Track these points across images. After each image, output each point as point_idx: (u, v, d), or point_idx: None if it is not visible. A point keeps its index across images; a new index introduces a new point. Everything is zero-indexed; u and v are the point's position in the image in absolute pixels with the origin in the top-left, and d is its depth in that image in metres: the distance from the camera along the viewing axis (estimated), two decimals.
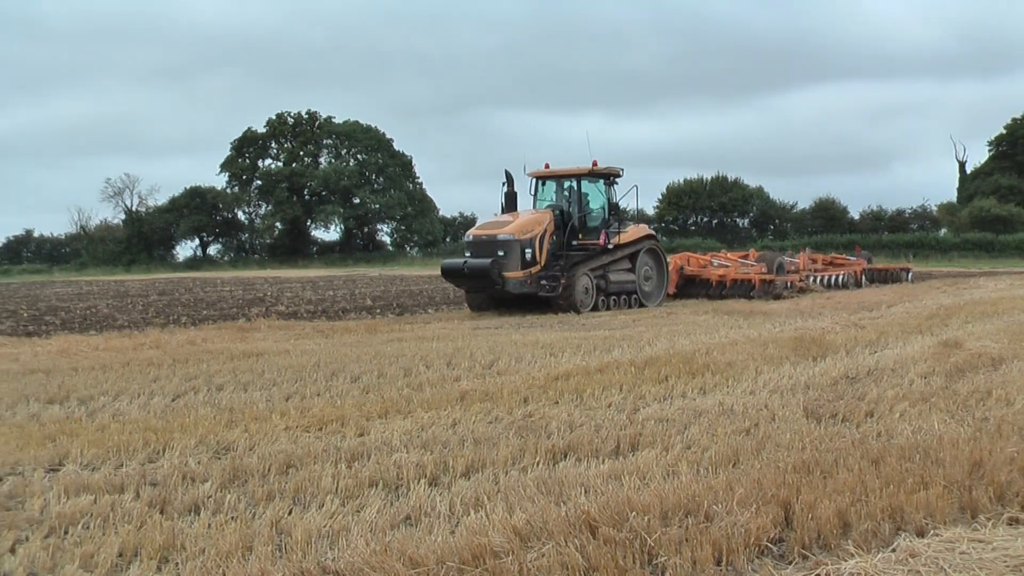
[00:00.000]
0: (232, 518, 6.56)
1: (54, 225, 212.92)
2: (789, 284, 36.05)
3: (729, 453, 8.10)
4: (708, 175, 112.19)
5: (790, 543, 5.91)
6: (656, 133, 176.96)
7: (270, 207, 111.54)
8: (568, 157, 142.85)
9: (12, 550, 6.02)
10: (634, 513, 6.10)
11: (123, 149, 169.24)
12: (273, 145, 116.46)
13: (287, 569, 5.50)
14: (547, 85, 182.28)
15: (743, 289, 34.38)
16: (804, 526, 6.03)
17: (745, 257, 38.93)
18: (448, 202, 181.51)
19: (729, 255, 40.36)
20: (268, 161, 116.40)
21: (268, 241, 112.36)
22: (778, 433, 8.99)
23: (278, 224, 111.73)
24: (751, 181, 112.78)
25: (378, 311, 30.66)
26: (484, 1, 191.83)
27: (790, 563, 5.69)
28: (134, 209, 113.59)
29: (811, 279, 39.01)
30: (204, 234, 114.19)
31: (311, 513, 6.62)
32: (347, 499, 7.02)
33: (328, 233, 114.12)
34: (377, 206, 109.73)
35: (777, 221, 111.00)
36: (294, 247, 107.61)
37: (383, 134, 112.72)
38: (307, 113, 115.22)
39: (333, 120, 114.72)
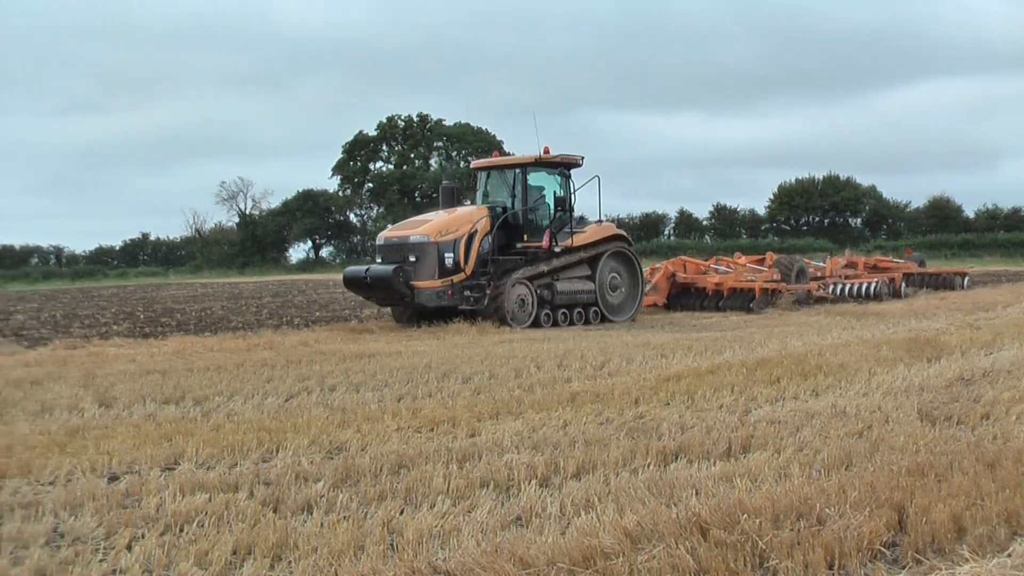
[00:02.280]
0: (344, 517, 6.61)
1: (169, 228, 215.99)
2: (808, 294, 32.01)
3: (842, 455, 8.02)
4: (819, 174, 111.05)
5: (903, 547, 5.84)
6: (754, 131, 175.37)
7: (381, 209, 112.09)
8: (659, 157, 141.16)
9: (129, 547, 6.10)
10: (745, 515, 6.06)
11: (227, 153, 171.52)
12: (384, 148, 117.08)
13: (398, 568, 5.53)
14: (641, 85, 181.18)
15: (742, 300, 30.34)
16: (918, 530, 5.95)
17: (760, 262, 34.88)
18: None
19: (743, 259, 35.78)
20: (379, 164, 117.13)
21: (380, 243, 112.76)
22: (892, 435, 8.89)
23: (389, 226, 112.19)
24: (860, 179, 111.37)
25: None
26: (574, 1, 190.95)
27: (903, 567, 5.62)
28: (247, 212, 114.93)
29: (835, 288, 33.83)
30: (316, 236, 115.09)
31: (422, 513, 6.65)
32: (458, 499, 7.04)
33: None
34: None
35: (890, 221, 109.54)
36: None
37: (493, 136, 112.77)
38: (418, 116, 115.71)
39: (444, 122, 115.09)
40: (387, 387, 13.03)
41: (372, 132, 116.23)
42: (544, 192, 27.65)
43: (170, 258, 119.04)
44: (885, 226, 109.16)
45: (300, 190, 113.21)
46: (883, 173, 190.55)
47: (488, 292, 25.10)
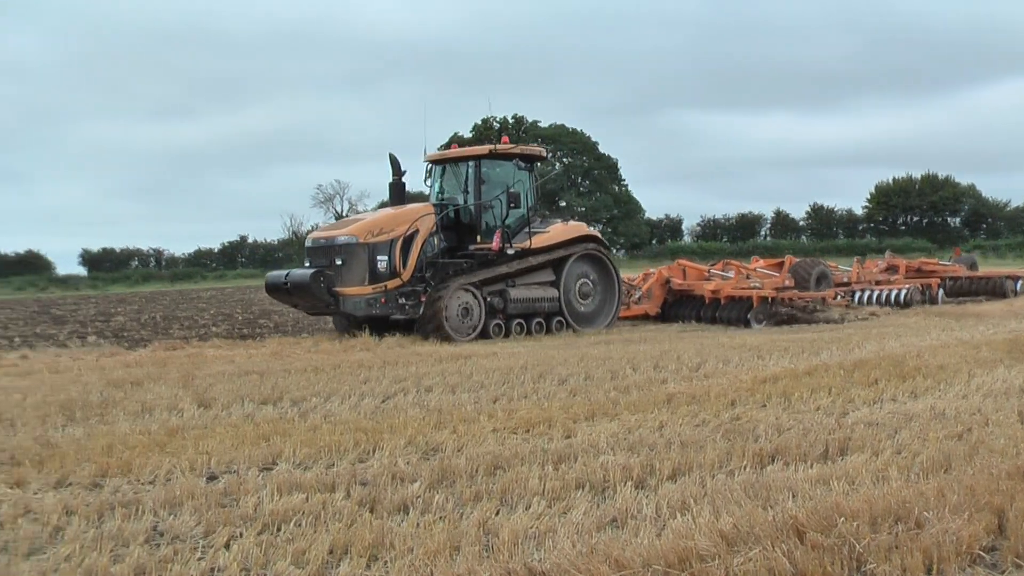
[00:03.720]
0: (440, 518, 6.63)
1: (267, 231, 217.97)
2: (823, 302, 28.31)
3: (940, 458, 7.91)
4: (917, 173, 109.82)
5: (1003, 552, 5.75)
6: (848, 130, 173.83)
7: (582, 210, 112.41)
8: (751, 156, 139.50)
9: (227, 546, 6.17)
10: (842, 518, 6.01)
11: (320, 156, 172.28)
12: None
13: (494, 569, 5.54)
14: (731, 84, 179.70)
15: (739, 310, 26.94)
16: (1018, 534, 5.86)
17: (779, 266, 31.72)
18: (653, 204, 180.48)
19: (761, 262, 33.03)
20: None
21: None
22: (992, 438, 8.76)
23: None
24: (959, 178, 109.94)
25: None
26: (663, 0, 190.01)
27: (1003, 572, 5.54)
28: (344, 214, 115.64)
29: (861, 295, 31.01)
30: None
31: (518, 514, 6.66)
32: (554, 501, 7.04)
33: None
34: (583, 208, 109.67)
35: (989, 220, 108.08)
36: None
37: (588, 137, 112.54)
38: (513, 117, 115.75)
39: (539, 124, 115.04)
40: (483, 388, 13.06)
41: (467, 134, 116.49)
42: (495, 187, 24.70)
43: (268, 260, 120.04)
44: (984, 225, 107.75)
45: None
46: (982, 172, 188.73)
47: (422, 299, 22.68)
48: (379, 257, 22.26)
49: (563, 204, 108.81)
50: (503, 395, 12.45)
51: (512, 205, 24.01)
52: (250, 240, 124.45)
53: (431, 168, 25.71)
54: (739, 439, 9.02)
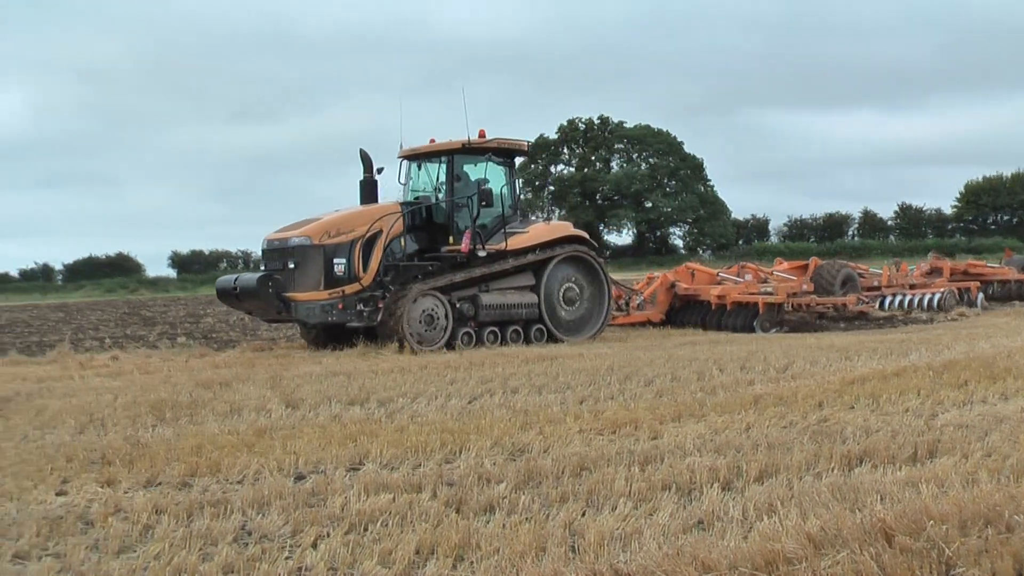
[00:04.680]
0: (526, 519, 6.63)
1: None
2: (843, 307, 27.55)
3: None
4: (1007, 171, 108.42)
5: None
6: (930, 128, 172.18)
7: (563, 212, 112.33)
8: (832, 156, 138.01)
9: (314, 545, 6.21)
10: (931, 522, 5.94)
11: (392, 158, 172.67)
12: (565, 151, 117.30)
13: (580, 570, 5.53)
14: (809, 83, 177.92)
15: (745, 316, 25.77)
16: None
17: (803, 269, 30.06)
18: (739, 204, 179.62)
19: (784, 265, 31.40)
20: (560, 166, 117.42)
21: None
22: None
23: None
24: None
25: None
26: (741, 0, 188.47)
27: None
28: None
29: (890, 301, 29.57)
30: None
31: (604, 515, 6.64)
32: (640, 502, 7.02)
33: (620, 237, 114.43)
34: (669, 209, 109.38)
35: None
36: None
37: (674, 137, 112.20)
38: (598, 118, 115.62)
39: (624, 124, 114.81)
40: (569, 389, 13.06)
41: (552, 135, 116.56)
42: (482, 185, 22.68)
43: None
44: None
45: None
46: None
47: (380, 306, 20.99)
48: (336, 260, 20.83)
49: (649, 204, 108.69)
50: (589, 396, 12.44)
51: (484, 203, 22.19)
52: None
53: (407, 165, 23.99)
54: (827, 441, 8.95)
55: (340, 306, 20.67)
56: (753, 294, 26.07)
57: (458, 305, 21.87)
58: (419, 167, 23.79)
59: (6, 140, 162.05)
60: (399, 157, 23.78)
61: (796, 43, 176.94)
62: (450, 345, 21.36)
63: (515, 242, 22.84)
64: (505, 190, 23.30)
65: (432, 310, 21.28)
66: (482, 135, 22.78)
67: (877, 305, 29.31)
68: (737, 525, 6.31)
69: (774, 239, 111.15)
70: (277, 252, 21.09)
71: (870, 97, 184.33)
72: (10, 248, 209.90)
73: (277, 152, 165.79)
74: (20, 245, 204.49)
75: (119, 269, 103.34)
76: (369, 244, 21.20)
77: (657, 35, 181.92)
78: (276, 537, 6.44)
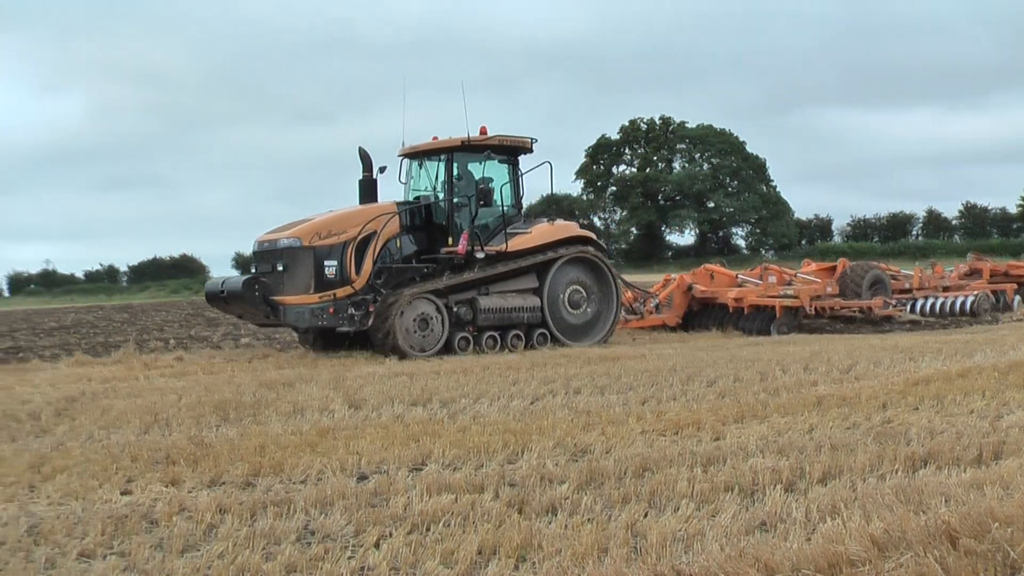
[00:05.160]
0: (588, 519, 6.62)
1: None
2: (869, 311, 26.42)
3: None
4: None
5: None
6: (997, 127, 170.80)
7: (625, 212, 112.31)
8: (895, 155, 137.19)
9: (376, 545, 6.22)
10: (996, 524, 5.87)
11: None
12: (627, 151, 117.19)
13: (642, 571, 5.52)
14: (871, 82, 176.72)
15: (762, 320, 25.04)
16: None
17: (831, 270, 29.16)
18: (802, 203, 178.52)
19: (813, 266, 30.46)
20: (622, 167, 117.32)
21: (623, 246, 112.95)
22: None
23: (633, 229, 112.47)
24: None
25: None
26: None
27: None
28: None
29: (921, 305, 28.36)
30: None
31: (666, 516, 6.62)
32: (702, 503, 7.00)
33: (683, 237, 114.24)
34: (731, 209, 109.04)
35: None
36: (649, 251, 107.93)
37: (736, 137, 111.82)
38: (660, 118, 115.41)
39: (686, 124, 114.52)
40: (631, 390, 13.04)
41: (614, 135, 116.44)
42: (480, 184, 22.07)
43: None
44: None
45: (544, 194, 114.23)
46: None
47: (371, 309, 20.21)
48: (327, 262, 20.13)
49: (711, 205, 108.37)
50: (652, 397, 12.41)
51: (483, 203, 21.70)
52: None
53: (408, 164, 23.29)
54: (890, 442, 8.89)
55: (331, 310, 20.00)
56: (772, 297, 25.40)
57: (455, 309, 21.06)
58: (420, 166, 23.13)
59: (70, 144, 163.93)
60: (399, 155, 23.21)
61: (858, 41, 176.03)
62: (447, 350, 20.65)
63: (516, 243, 22.09)
64: (507, 189, 22.65)
65: (426, 314, 20.55)
66: (483, 132, 22.00)
67: (908, 309, 28.21)
68: (800, 527, 6.28)
69: (837, 239, 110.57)
70: (267, 254, 20.58)
71: (933, 95, 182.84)
72: (75, 250, 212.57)
73: (336, 154, 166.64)
74: (85, 247, 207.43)
75: (183, 270, 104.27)
76: (363, 246, 20.53)
77: (719, 34, 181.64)
78: (339, 537, 6.47)
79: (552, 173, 22.91)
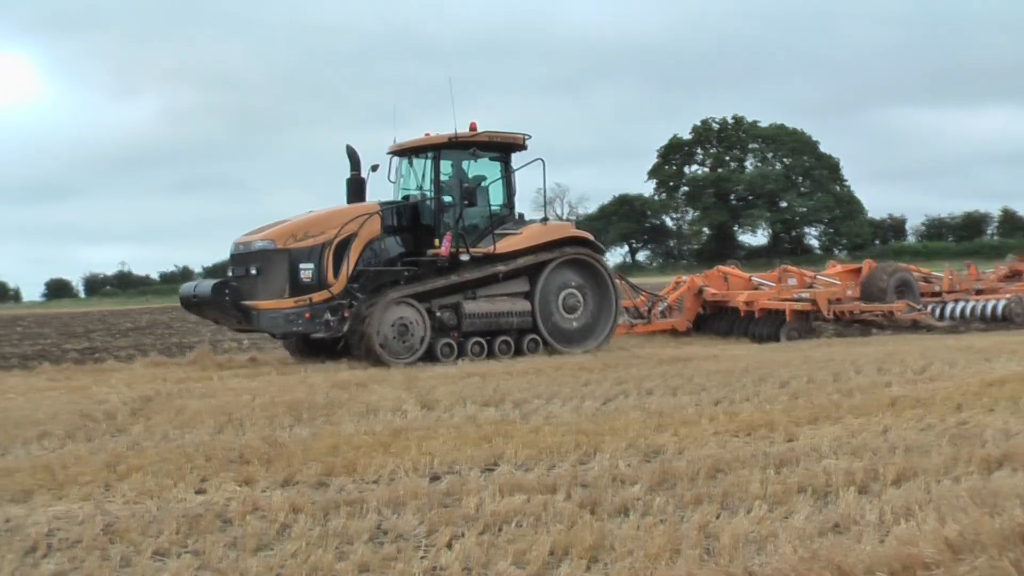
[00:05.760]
0: (660, 521, 6.61)
1: None
2: (890, 315, 24.76)
3: None
4: None
5: None
6: None
7: (697, 213, 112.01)
8: (968, 153, 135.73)
9: (449, 545, 6.24)
10: None
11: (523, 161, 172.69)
12: (699, 151, 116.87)
13: (714, 573, 5.51)
14: (942, 80, 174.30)
15: (773, 324, 23.69)
16: None
17: (857, 272, 27.73)
18: (876, 203, 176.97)
19: (838, 268, 29.18)
20: (694, 167, 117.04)
21: (695, 246, 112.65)
22: None
23: (705, 229, 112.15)
24: None
25: None
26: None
27: None
28: (564, 217, 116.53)
29: (950, 309, 26.47)
30: (633, 240, 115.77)
31: (739, 518, 6.60)
32: (775, 505, 6.97)
33: (755, 237, 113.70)
34: (804, 209, 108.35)
35: None
36: (721, 252, 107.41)
37: (808, 136, 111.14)
38: (732, 118, 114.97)
39: (758, 124, 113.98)
40: (704, 391, 13.00)
41: (686, 135, 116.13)
42: (464, 183, 21.00)
43: None
44: None
45: (616, 195, 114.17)
46: None
47: (346, 315, 19.30)
48: (303, 265, 19.10)
49: (783, 204, 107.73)
50: (724, 398, 12.38)
51: (467, 203, 20.59)
52: None
53: (397, 162, 22.16)
54: (965, 444, 8.81)
55: (307, 315, 19.00)
56: (786, 300, 24.17)
57: (438, 314, 20.03)
58: (410, 164, 21.94)
59: (144, 147, 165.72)
60: (388, 153, 22.07)
61: (932, 39, 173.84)
62: (430, 358, 19.56)
63: (505, 245, 21.01)
64: (498, 188, 21.78)
65: (406, 319, 19.50)
66: (473, 128, 20.83)
67: (938, 313, 26.58)
68: (873, 529, 6.24)
69: (911, 239, 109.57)
70: (242, 257, 19.68)
71: (1008, 93, 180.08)
72: (150, 251, 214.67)
73: None
74: (160, 248, 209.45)
75: None
76: (342, 248, 19.51)
77: (791, 32, 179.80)
78: (411, 537, 6.49)
79: (544, 171, 21.80)
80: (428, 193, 21.02)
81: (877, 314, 24.75)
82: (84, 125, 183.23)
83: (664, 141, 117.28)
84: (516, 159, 22.03)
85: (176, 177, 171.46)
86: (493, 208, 21.54)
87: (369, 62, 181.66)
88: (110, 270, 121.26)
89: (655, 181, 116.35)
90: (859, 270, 27.71)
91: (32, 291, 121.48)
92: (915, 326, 24.94)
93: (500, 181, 21.82)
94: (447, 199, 20.96)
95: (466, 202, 20.42)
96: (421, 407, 12.23)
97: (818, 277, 27.13)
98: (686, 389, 13.22)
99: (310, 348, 20.81)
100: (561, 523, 6.58)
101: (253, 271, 19.05)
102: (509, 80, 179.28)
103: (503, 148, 21.54)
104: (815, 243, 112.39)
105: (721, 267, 27.88)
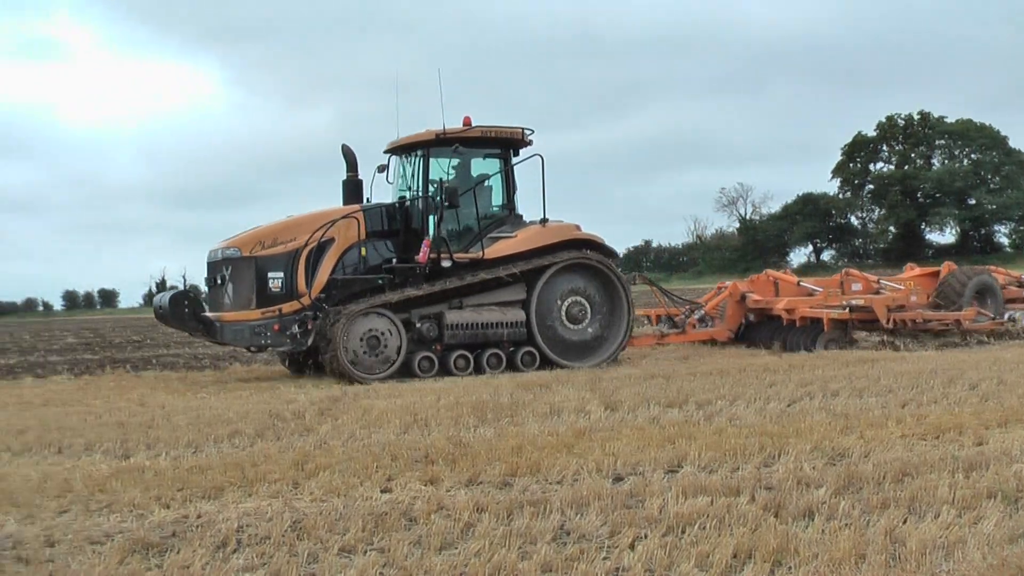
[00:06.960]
0: (846, 525, 6.54)
1: (672, 235, 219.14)
2: (958, 324, 21.86)
3: None
4: None
5: None
6: None
7: (883, 211, 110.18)
8: None
9: (631, 547, 6.26)
10: None
11: (706, 160, 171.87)
12: (884, 148, 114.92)
13: None
14: None
15: (813, 333, 21.06)
16: None
17: (935, 276, 24.72)
18: None
19: (916, 270, 26.03)
20: (879, 165, 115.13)
21: (882, 245, 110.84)
22: None
23: (891, 228, 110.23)
24: None
25: None
26: None
27: None
28: (748, 217, 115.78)
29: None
30: (817, 240, 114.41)
31: (926, 523, 6.51)
32: (963, 510, 6.85)
33: (943, 236, 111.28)
34: (993, 207, 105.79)
35: None
36: (908, 250, 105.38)
37: (997, 131, 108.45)
38: (918, 114, 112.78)
39: (945, 119, 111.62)
40: (891, 393, 12.82)
41: (870, 132, 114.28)
42: (444, 182, 19.36)
43: (672, 264, 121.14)
44: None
45: (800, 194, 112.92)
46: None
47: (310, 327, 18.02)
48: (271, 274, 18.02)
49: (972, 202, 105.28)
50: (911, 400, 12.18)
51: (448, 204, 18.81)
52: (654, 244, 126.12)
53: (395, 161, 20.63)
54: None
55: (276, 327, 17.88)
56: (831, 307, 21.48)
57: (418, 325, 18.58)
58: (407, 162, 20.26)
59: (318, 153, 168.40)
60: (384, 151, 20.64)
61: None
62: (407, 373, 18.20)
63: (497, 249, 19.40)
64: (494, 187, 20.29)
65: (378, 331, 18.06)
66: (467, 123, 19.36)
67: (1020, 321, 23.11)
68: None
69: None
70: (213, 265, 18.72)
71: None
72: None
73: (581, 157, 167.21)
74: None
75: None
76: (318, 254, 18.40)
77: (977, 23, 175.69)
78: (594, 537, 6.53)
79: (544, 168, 19.60)
80: (419, 193, 19.59)
81: (950, 322, 22.15)
82: (262, 135, 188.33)
83: (845, 139, 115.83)
84: (530, 163, 20.31)
85: None
86: (491, 208, 20.21)
87: (543, 62, 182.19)
88: None
89: (839, 179, 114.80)
90: (937, 274, 24.94)
91: None
92: (995, 336, 22.31)
93: (497, 179, 20.33)
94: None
95: (447, 203, 18.75)
96: (604, 408, 12.26)
97: (880, 281, 24.63)
98: (872, 391, 13.05)
99: (299, 363, 20.16)
100: (744, 526, 6.56)
101: (219, 280, 18.36)
102: (684, 78, 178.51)
103: (501, 144, 20.04)
104: (1005, 241, 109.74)
105: (769, 271, 25.28)
